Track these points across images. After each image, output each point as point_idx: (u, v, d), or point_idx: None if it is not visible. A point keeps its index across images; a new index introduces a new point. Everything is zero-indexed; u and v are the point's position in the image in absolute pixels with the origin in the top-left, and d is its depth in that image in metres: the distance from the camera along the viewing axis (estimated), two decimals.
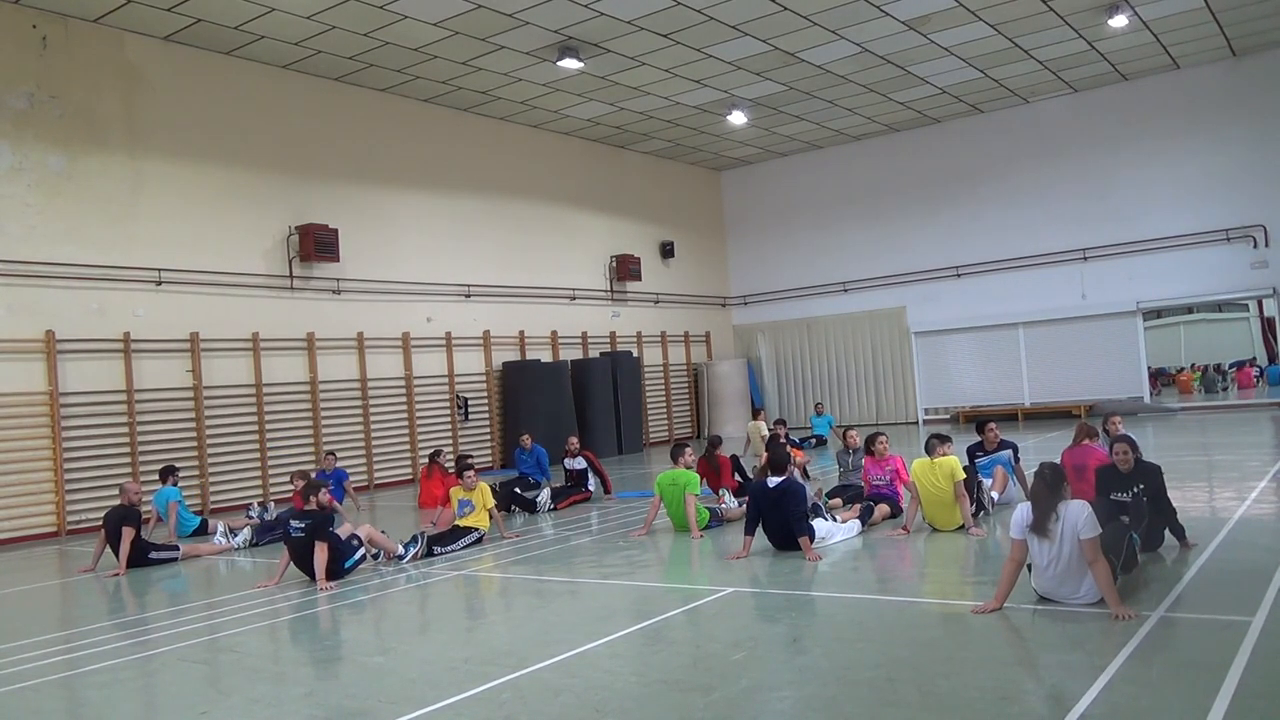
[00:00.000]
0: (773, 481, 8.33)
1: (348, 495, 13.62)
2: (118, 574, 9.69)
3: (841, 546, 8.48)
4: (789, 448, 11.96)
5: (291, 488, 12.10)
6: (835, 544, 8.50)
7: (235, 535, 11.23)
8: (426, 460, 14.42)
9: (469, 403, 18.91)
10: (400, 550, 9.18)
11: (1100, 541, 5.68)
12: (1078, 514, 5.71)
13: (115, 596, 9.00)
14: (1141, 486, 7.09)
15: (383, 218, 17.69)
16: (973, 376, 22.80)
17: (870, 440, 10.07)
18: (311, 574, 8.45)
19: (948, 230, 23.03)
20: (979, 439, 10.36)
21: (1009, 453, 10.12)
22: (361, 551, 8.78)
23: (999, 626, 5.77)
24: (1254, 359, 27.46)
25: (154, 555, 10.25)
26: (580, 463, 13.04)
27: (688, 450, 10.40)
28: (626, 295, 23.09)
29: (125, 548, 9.78)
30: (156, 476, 12.66)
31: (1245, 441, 15.19)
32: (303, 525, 8.46)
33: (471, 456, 10.52)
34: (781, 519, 8.17)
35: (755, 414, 18.31)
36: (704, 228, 25.91)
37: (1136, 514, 6.84)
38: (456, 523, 10.01)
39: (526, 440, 14.34)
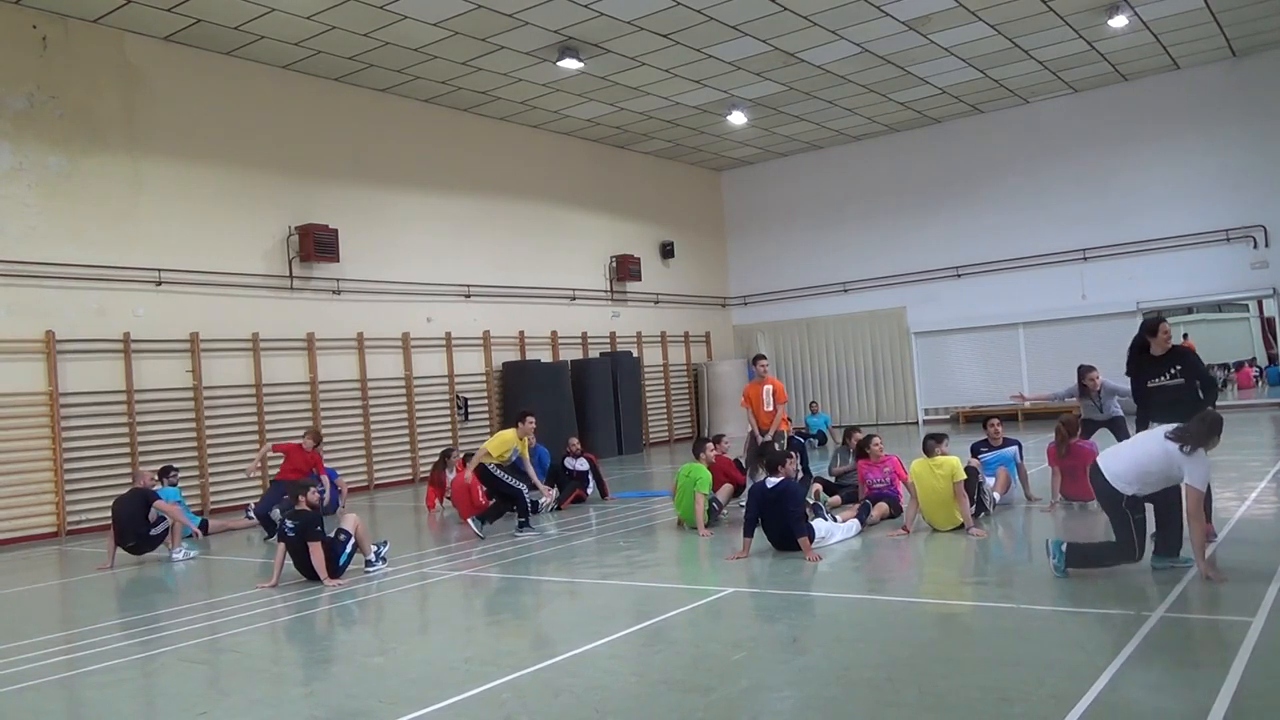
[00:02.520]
0: (771, 482, 8.33)
1: (340, 494, 13.62)
2: (110, 569, 9.93)
3: (841, 547, 8.48)
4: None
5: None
6: (834, 544, 8.50)
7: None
8: (460, 457, 13.82)
9: (469, 403, 18.91)
10: (371, 555, 8.86)
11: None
12: (1194, 462, 6.01)
13: (115, 596, 9.01)
14: (1179, 367, 7.44)
15: (383, 218, 17.69)
16: (972, 376, 22.79)
17: (864, 443, 10.05)
18: (308, 574, 8.46)
19: (948, 230, 23.03)
20: (984, 436, 10.40)
21: (1014, 450, 10.14)
22: (352, 543, 8.73)
23: (999, 626, 5.78)
24: (1253, 359, 27.43)
25: (154, 533, 10.39)
26: (583, 464, 13.06)
27: (709, 446, 10.61)
28: (626, 295, 23.09)
29: (174, 511, 10.38)
30: (155, 477, 12.68)
31: (1245, 441, 15.17)
32: (294, 526, 8.49)
33: (531, 412, 10.80)
34: (780, 519, 8.17)
35: None
36: (704, 228, 25.91)
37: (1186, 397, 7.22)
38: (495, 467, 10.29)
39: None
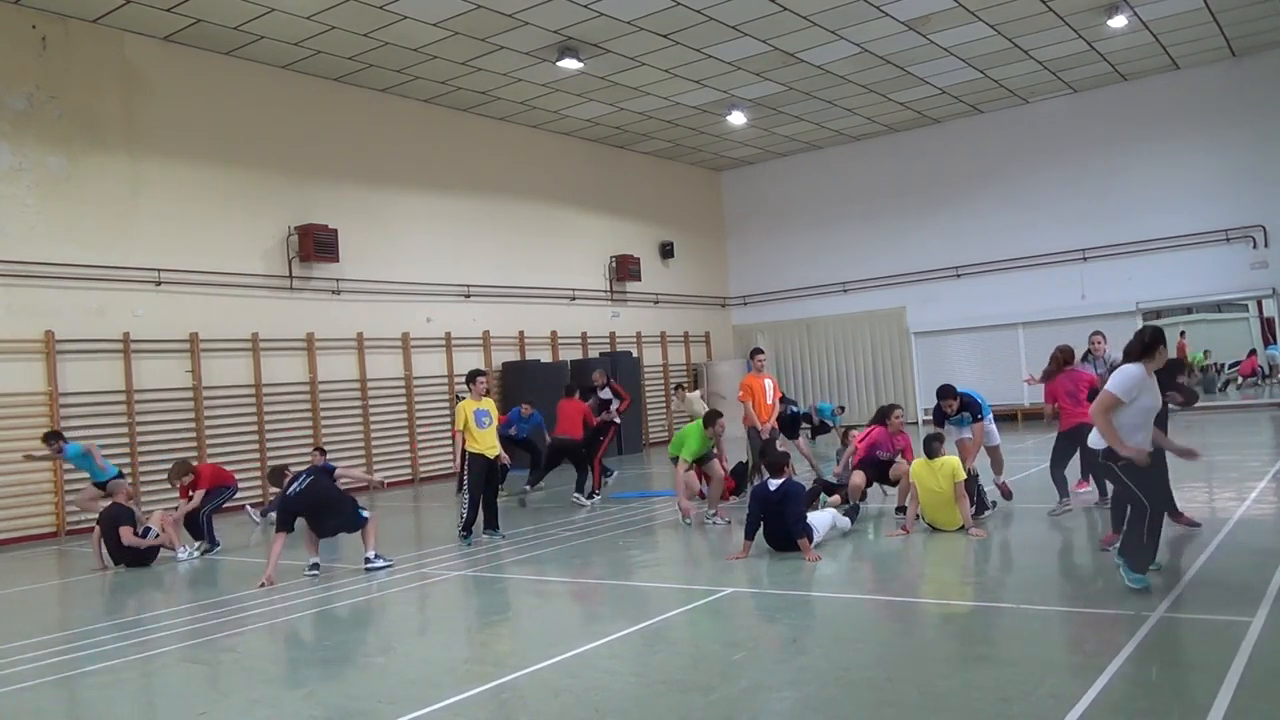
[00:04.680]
0: (773, 484, 8.33)
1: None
2: (105, 570, 9.90)
3: (841, 545, 8.47)
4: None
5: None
6: (825, 533, 8.46)
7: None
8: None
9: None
10: (371, 554, 8.90)
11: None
12: (1118, 372, 6.06)
13: (115, 596, 9.01)
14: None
15: (383, 218, 17.68)
16: (972, 376, 22.73)
17: (886, 411, 9.85)
18: (324, 530, 8.75)
19: (947, 230, 23.02)
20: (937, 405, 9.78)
21: (965, 414, 9.78)
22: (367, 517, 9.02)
23: (999, 626, 5.77)
24: (1253, 350, 27.35)
25: (143, 550, 10.27)
26: (607, 393, 13.93)
27: (720, 421, 10.38)
28: (626, 295, 23.09)
29: (130, 538, 10.01)
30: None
31: (1245, 441, 15.19)
32: (307, 477, 8.78)
33: (482, 372, 10.65)
34: (782, 522, 8.17)
35: (689, 386, 17.70)
36: (704, 228, 25.91)
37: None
38: (476, 442, 10.13)
39: (526, 409, 14.78)
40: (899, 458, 9.60)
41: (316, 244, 16.02)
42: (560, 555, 9.30)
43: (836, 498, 10.37)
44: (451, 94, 18.25)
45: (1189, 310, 25.30)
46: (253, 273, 15.62)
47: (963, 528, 8.58)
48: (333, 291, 16.69)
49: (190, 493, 11.01)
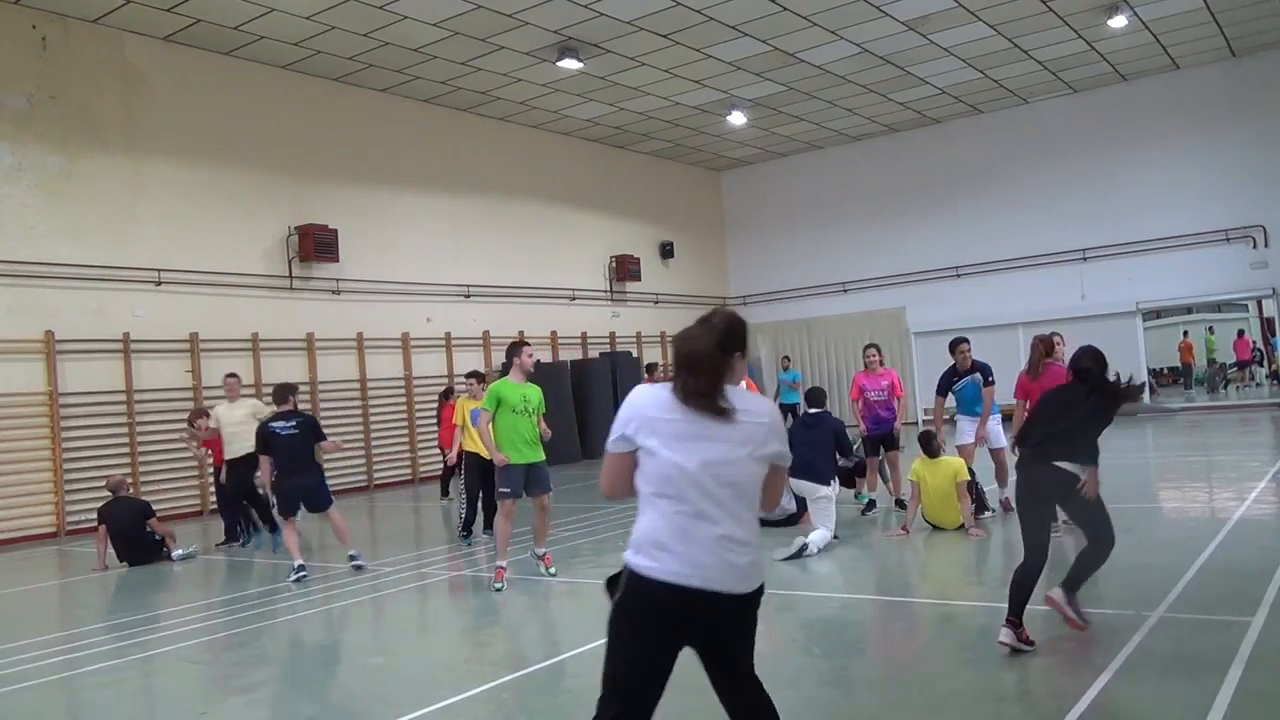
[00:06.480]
0: (813, 412, 9.08)
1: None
2: (105, 570, 9.99)
3: (842, 547, 8.47)
4: None
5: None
6: (820, 542, 8.45)
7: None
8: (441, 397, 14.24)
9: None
10: (354, 552, 9.01)
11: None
12: None
13: (115, 596, 9.01)
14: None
15: (383, 218, 17.68)
16: None
17: (862, 352, 10.54)
18: (303, 494, 8.80)
19: (948, 230, 23.02)
20: (952, 364, 9.98)
21: (978, 377, 9.88)
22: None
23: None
24: (1242, 331, 27.32)
25: (156, 537, 10.46)
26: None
27: (524, 349, 8.23)
28: (626, 295, 23.09)
29: (163, 529, 10.45)
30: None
31: (1245, 441, 15.19)
32: (294, 424, 8.72)
33: (482, 372, 10.60)
34: (812, 446, 8.51)
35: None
36: (704, 228, 25.91)
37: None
38: (474, 441, 9.97)
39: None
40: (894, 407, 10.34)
41: (316, 244, 16.02)
42: (560, 555, 9.29)
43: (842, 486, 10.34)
44: (451, 94, 18.25)
45: (1189, 310, 25.29)
46: (253, 273, 15.61)
47: (962, 527, 8.58)
48: (333, 291, 16.68)
49: (212, 454, 11.39)
